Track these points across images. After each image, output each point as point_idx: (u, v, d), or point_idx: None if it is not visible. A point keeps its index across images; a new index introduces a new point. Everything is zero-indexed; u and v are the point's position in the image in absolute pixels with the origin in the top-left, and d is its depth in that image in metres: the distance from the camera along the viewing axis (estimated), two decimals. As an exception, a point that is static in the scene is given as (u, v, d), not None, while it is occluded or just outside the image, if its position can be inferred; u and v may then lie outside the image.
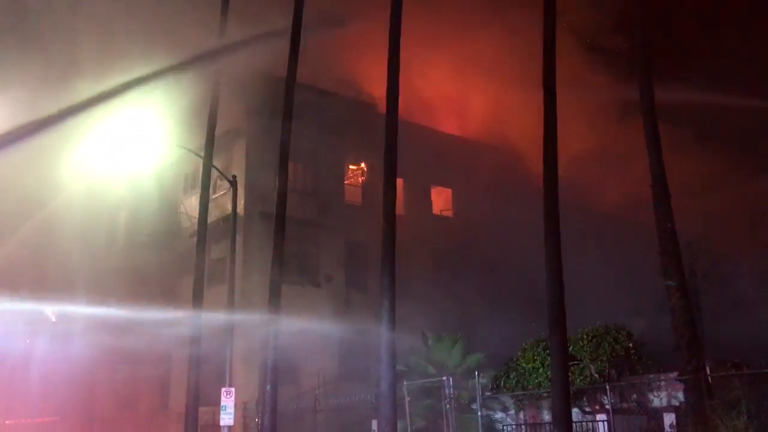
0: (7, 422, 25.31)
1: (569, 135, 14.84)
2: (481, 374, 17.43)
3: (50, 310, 24.24)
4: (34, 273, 24.32)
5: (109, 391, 27.33)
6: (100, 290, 24.55)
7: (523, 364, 17.30)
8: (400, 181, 16.79)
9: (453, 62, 29.03)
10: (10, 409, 25.46)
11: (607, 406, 15.39)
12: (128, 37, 20.74)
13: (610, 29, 28.18)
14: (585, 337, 16.61)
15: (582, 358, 16.27)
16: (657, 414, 15.17)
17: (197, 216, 21.04)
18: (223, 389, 18.65)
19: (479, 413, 17.08)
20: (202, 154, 20.87)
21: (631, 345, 16.41)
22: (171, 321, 20.83)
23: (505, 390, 17.60)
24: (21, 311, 22.96)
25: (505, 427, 17.74)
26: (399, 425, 16.16)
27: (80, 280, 25.15)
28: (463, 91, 30.60)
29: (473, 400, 17.45)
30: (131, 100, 18.62)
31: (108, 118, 19.63)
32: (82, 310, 22.38)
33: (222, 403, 18.45)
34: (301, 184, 25.64)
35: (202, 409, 19.62)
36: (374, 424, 18.09)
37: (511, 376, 17.52)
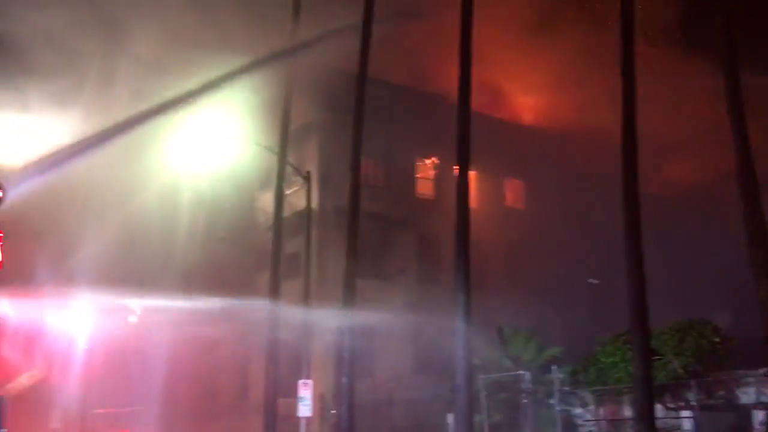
0: (96, 411, 26.41)
1: (647, 122, 14.34)
2: (558, 369, 17.15)
3: (135, 303, 25.17)
4: (119, 268, 25.27)
5: (190, 382, 28.18)
6: (181, 284, 25.34)
7: (603, 359, 16.94)
8: (472, 174, 16.67)
9: (526, 51, 28.52)
10: (100, 399, 26.56)
11: (693, 403, 14.90)
12: (204, 37, 21.27)
13: (690, 11, 27.04)
14: (668, 331, 16.11)
15: (665, 353, 15.79)
16: (745, 411, 14.60)
17: (272, 211, 21.45)
18: (300, 381, 18.96)
19: (557, 408, 16.81)
20: (277, 150, 21.24)
21: (717, 340, 15.82)
22: (249, 314, 21.33)
23: (583, 385, 17.27)
24: (108, 305, 23.94)
25: (583, 423, 17.42)
26: (475, 419, 16.10)
27: (162, 274, 26.01)
28: (537, 81, 30.03)
29: (550, 394, 17.19)
30: (209, 99, 19.13)
31: (187, 117, 20.22)
32: (165, 303, 23.15)
33: (300, 395, 18.76)
34: (374, 178, 25.76)
35: (280, 401, 19.99)
36: (450, 417, 18.08)
37: (590, 371, 17.19)
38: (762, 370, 14.20)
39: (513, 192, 30.86)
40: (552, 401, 17.11)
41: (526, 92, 31.30)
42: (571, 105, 29.69)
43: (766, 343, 13.53)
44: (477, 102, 17.77)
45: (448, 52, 17.54)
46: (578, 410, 17.56)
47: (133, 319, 25.92)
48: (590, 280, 13.49)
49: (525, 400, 17.13)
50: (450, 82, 17.74)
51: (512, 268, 26.03)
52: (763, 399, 14.46)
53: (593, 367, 17.10)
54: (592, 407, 17.35)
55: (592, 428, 17.35)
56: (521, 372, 17.43)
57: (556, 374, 16.91)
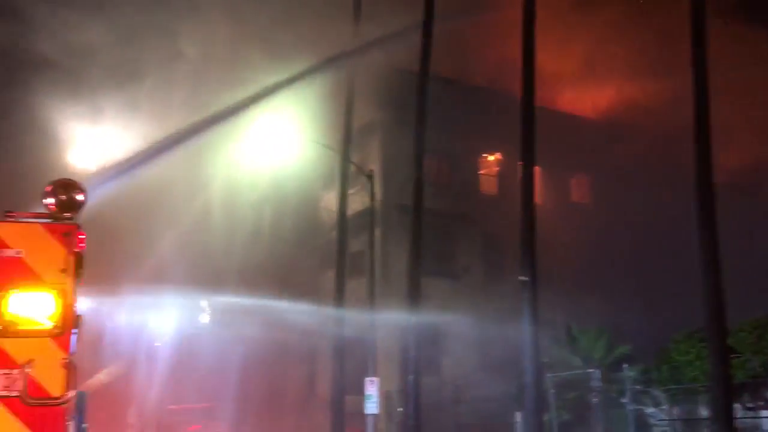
0: (170, 407, 27.19)
1: (717, 114, 13.81)
2: (630, 367, 16.73)
3: (206, 302, 25.78)
4: (191, 268, 25.95)
5: (259, 379, 28.71)
6: (248, 283, 25.85)
7: (677, 357, 16.42)
8: (537, 170, 16.43)
9: (592, 45, 27.95)
10: (173, 395, 27.34)
11: (773, 403, 14.32)
12: (267, 39, 21.63)
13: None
14: (746, 328, 15.49)
15: (743, 351, 15.19)
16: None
17: (336, 210, 21.65)
18: (366, 379, 19.07)
19: (629, 407, 16.39)
20: (340, 150, 21.43)
21: (799, 337, 15.13)
22: (315, 312, 21.58)
23: (656, 384, 16.79)
24: (182, 304, 24.62)
25: (657, 423, 16.93)
26: (544, 418, 15.87)
27: (231, 273, 26.59)
28: (604, 75, 29.39)
29: (622, 393, 16.77)
30: (273, 101, 19.45)
31: (252, 119, 20.60)
32: (234, 302, 23.66)
33: (366, 393, 18.87)
34: (436, 176, 25.69)
35: (347, 398, 20.17)
36: (518, 416, 17.88)
37: (663, 369, 16.69)
38: None
39: (579, 187, 30.28)
40: (623, 400, 16.70)
41: (591, 84, 30.66)
42: (639, 96, 28.95)
43: None
44: (540, 96, 17.52)
45: (512, 46, 17.34)
46: (651, 409, 17.08)
47: (204, 318, 26.58)
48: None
49: (595, 399, 16.78)
50: (514, 77, 17.53)
51: (579, 264, 25.55)
52: None
53: (666, 366, 16.59)
54: (665, 406, 16.84)
55: (666, 428, 16.85)
56: (591, 370, 17.08)
57: (627, 372, 16.48)
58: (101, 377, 29.87)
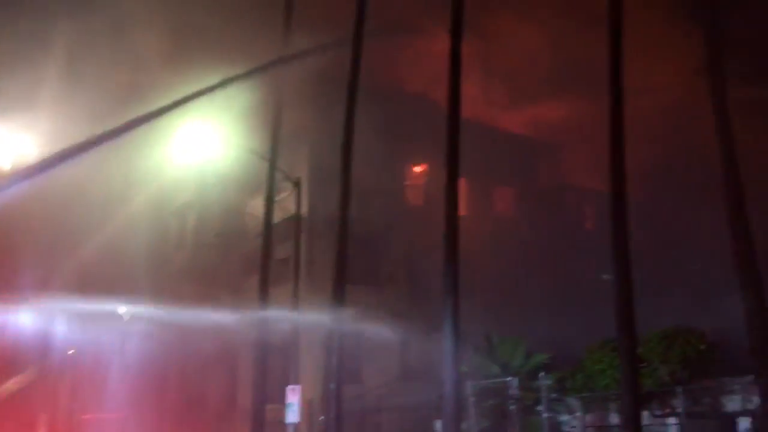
0: (83, 417, 26.31)
1: (636, 135, 14.45)
2: (546, 375, 17.21)
3: (123, 309, 25.09)
4: (107, 273, 25.20)
5: (178, 387, 28.10)
6: (169, 290, 25.29)
7: (590, 366, 17.00)
8: (462, 182, 16.75)
9: (517, 60, 28.71)
10: (87, 405, 26.47)
11: (679, 410, 14.99)
12: (197, 45, 21.35)
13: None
14: (655, 338, 16.21)
15: (652, 360, 15.88)
16: (731, 418, 14.69)
17: (262, 217, 21.46)
18: (288, 387, 18.94)
19: (544, 415, 16.86)
20: (267, 156, 21.27)
21: (703, 347, 15.93)
22: (238, 320, 21.28)
23: (571, 392, 17.33)
24: (96, 311, 23.84)
25: (570, 430, 17.47)
26: (463, 426, 16.12)
27: (151, 280, 25.95)
28: (527, 91, 30.23)
29: (538, 401, 17.24)
30: (200, 106, 19.15)
31: (177, 123, 20.22)
32: (153, 309, 23.09)
33: (287, 401, 18.73)
34: (363, 185, 25.77)
35: (268, 407, 19.96)
36: (438, 424, 18.10)
37: (578, 378, 17.24)
38: (748, 378, 14.29)
39: (502, 200, 31.00)
40: (539, 408, 17.17)
41: (517, 100, 31.46)
42: (561, 114, 29.90)
43: (752, 351, 13.67)
44: (468, 110, 17.88)
45: (441, 59, 17.62)
46: (565, 417, 17.61)
47: (121, 325, 25.83)
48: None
49: (513, 407, 17.17)
50: (442, 90, 17.83)
51: (501, 275, 26.10)
52: (749, 407, 14.54)
53: (580, 374, 17.16)
54: (579, 414, 17.40)
55: (579, 435, 17.41)
56: (509, 378, 17.48)
57: (544, 381, 16.96)
58: (10, 386, 28.60)
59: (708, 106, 14.73)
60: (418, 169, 28.72)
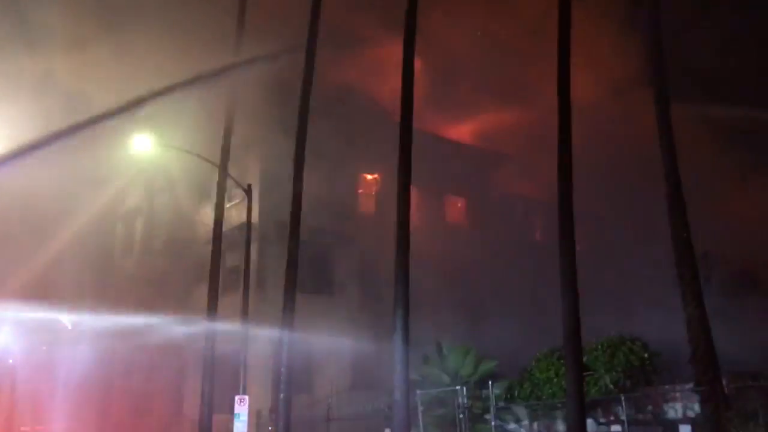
0: (22, 429, 25.49)
1: (582, 141, 14.74)
2: (495, 384, 17.37)
3: (66, 317, 24.43)
4: (50, 280, 24.52)
5: (124, 397, 27.46)
6: (116, 297, 24.73)
7: (537, 374, 17.24)
8: (414, 191, 16.84)
9: (469, 71, 29.05)
10: (28, 416, 25.64)
11: (622, 417, 15.29)
12: (147, 48, 21.00)
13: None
14: (600, 347, 16.53)
15: (597, 368, 16.19)
16: (673, 425, 15.05)
17: (212, 224, 21.17)
18: (236, 397, 18.68)
19: (493, 423, 17.01)
20: (218, 163, 21.03)
21: (646, 355, 16.31)
22: (185, 328, 20.94)
23: (518, 400, 17.52)
24: (39, 319, 23.18)
25: (518, 438, 17.67)
26: (412, 434, 16.13)
27: (96, 287, 25.34)
28: (479, 101, 30.61)
29: (487, 409, 17.39)
30: (148, 110, 18.86)
31: (125, 127, 19.87)
32: (98, 317, 22.55)
33: (236, 411, 18.48)
34: (315, 194, 25.69)
35: (216, 417, 19.65)
36: (388, 433, 18.09)
37: (525, 386, 17.45)
38: (688, 386, 14.68)
39: (453, 209, 31.26)
40: (488, 416, 17.31)
41: (469, 111, 31.82)
42: (511, 124, 30.37)
43: (693, 359, 14.06)
44: (420, 120, 17.99)
45: (394, 68, 17.72)
46: (513, 425, 17.79)
47: (64, 334, 25.14)
48: None
49: (461, 416, 17.27)
50: (394, 99, 17.92)
51: (452, 284, 26.30)
52: (689, 413, 14.92)
53: (528, 383, 17.37)
54: (526, 422, 17.61)
55: (526, 443, 17.61)
56: (457, 387, 17.58)
57: (492, 389, 17.11)
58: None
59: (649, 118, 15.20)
60: (370, 177, 28.76)
